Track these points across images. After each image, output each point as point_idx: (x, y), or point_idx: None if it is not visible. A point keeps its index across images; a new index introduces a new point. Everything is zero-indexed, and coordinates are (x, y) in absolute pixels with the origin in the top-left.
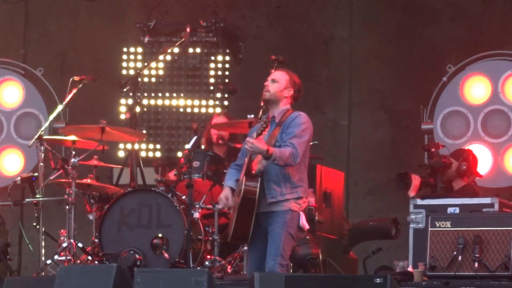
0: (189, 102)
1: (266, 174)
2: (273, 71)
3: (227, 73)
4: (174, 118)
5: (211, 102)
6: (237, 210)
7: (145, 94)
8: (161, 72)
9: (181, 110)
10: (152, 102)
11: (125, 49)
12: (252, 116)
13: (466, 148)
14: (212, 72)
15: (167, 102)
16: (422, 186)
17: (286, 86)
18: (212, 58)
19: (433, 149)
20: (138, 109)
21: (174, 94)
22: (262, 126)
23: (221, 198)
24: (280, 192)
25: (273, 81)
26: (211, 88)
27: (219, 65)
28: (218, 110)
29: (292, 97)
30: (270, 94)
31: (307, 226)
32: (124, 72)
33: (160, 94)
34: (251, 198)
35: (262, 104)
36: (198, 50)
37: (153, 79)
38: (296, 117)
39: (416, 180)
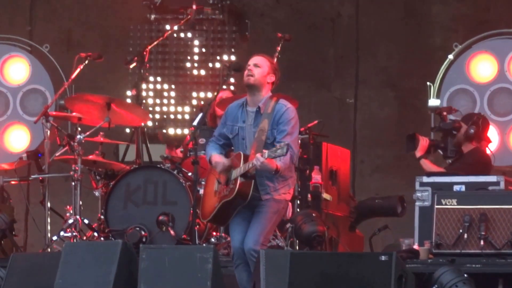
0: (195, 79)
1: (259, 171)
2: (256, 55)
3: (233, 50)
4: (180, 95)
5: (217, 80)
6: (223, 203)
7: (151, 71)
8: (167, 49)
9: (187, 86)
10: (159, 78)
11: (131, 26)
12: None
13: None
14: (218, 50)
15: (172, 78)
16: (432, 148)
17: (268, 72)
18: (218, 35)
19: (445, 113)
20: (144, 85)
21: (180, 72)
22: (277, 152)
23: (218, 163)
24: (273, 187)
25: (256, 66)
26: (217, 65)
27: (226, 43)
28: (224, 87)
29: (273, 84)
30: (255, 79)
31: (290, 215)
32: (130, 49)
33: (166, 71)
34: (243, 198)
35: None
36: (204, 27)
37: (159, 56)
38: (285, 111)
39: (424, 141)
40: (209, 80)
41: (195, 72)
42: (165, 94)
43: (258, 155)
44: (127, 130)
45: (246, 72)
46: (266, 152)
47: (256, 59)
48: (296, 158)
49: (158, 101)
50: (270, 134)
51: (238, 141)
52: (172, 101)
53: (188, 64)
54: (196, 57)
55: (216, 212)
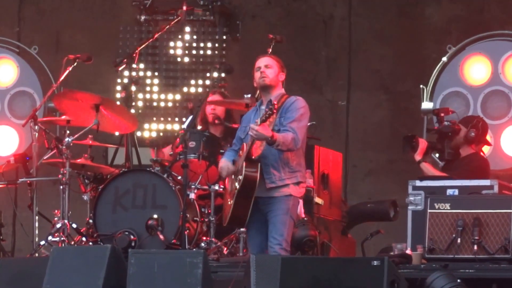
0: (185, 81)
1: (265, 158)
2: (262, 57)
3: (224, 52)
4: (170, 98)
5: (207, 82)
6: (236, 195)
7: (141, 73)
8: (157, 51)
9: (177, 89)
10: (148, 81)
11: (121, 28)
12: (249, 96)
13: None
14: (209, 52)
15: (163, 81)
16: (429, 150)
17: (279, 71)
18: (209, 37)
19: (442, 114)
20: (133, 88)
21: (171, 74)
22: (267, 113)
23: (222, 168)
24: (279, 177)
25: (267, 67)
26: (208, 67)
27: (216, 44)
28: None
29: (283, 82)
30: (270, 79)
31: (302, 215)
32: (120, 50)
33: (156, 73)
34: (252, 184)
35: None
36: (195, 29)
37: (150, 58)
38: (295, 101)
39: (422, 143)
40: (199, 83)
41: (185, 73)
42: (155, 96)
43: (251, 124)
44: (116, 133)
45: (259, 75)
46: (257, 120)
47: (265, 60)
48: (299, 144)
49: (148, 103)
50: (278, 122)
51: (248, 139)
52: (162, 104)
53: (179, 66)
54: (186, 59)
55: (233, 210)
